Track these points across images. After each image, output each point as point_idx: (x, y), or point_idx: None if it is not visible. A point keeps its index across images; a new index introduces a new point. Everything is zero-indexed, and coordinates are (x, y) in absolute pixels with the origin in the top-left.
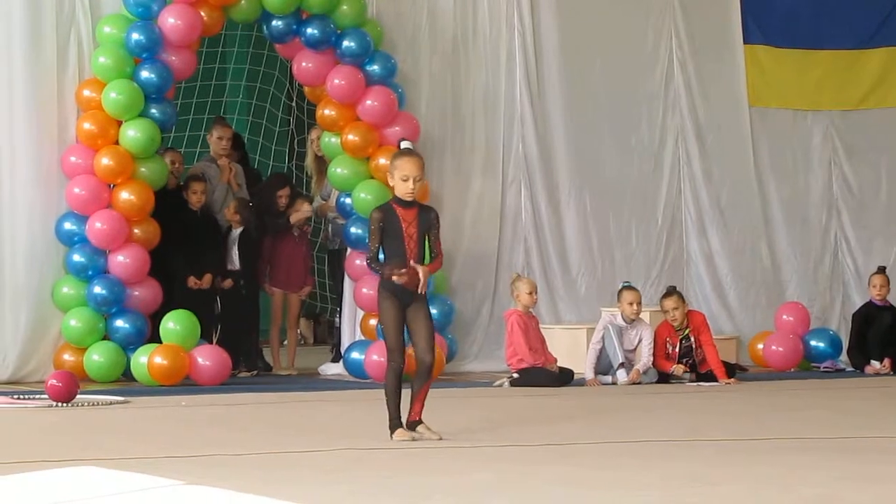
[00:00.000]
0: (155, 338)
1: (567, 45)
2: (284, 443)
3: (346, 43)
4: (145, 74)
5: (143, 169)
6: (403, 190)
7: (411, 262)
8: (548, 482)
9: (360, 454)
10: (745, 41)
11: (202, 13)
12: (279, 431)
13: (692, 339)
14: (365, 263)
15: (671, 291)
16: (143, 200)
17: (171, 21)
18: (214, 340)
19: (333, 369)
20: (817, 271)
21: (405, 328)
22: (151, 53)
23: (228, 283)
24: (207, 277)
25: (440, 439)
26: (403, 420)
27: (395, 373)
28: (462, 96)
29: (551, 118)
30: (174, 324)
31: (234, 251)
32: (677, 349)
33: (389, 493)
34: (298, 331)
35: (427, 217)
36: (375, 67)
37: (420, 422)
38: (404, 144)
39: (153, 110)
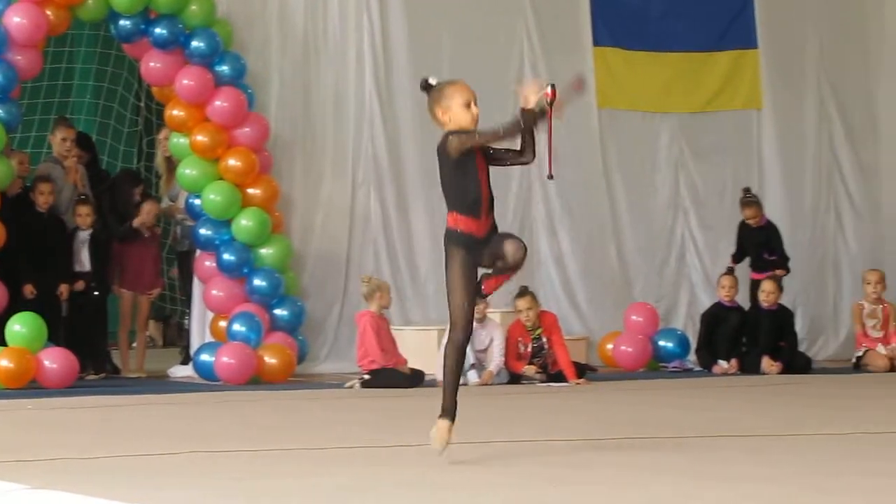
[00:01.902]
0: (0, 340)
1: (416, 47)
2: (133, 446)
3: (194, 43)
4: None
5: None
6: (468, 118)
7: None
8: (400, 483)
9: (210, 457)
10: (595, 43)
11: (48, 12)
12: (128, 435)
13: (543, 339)
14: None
15: (524, 292)
16: None
17: (16, 20)
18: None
19: (183, 371)
20: (662, 272)
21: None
22: None
23: (80, 285)
24: (65, 288)
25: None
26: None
27: (455, 348)
28: (312, 98)
29: (400, 120)
30: (20, 326)
31: (83, 253)
32: (529, 349)
33: (240, 495)
34: (147, 333)
35: (486, 151)
36: (225, 68)
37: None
38: (434, 80)
39: None
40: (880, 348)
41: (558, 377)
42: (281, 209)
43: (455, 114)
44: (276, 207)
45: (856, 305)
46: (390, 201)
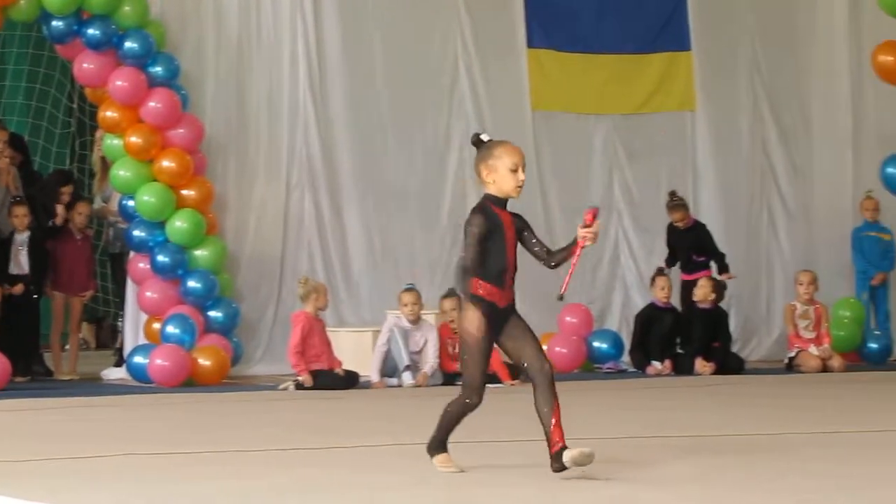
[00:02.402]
0: None
1: (350, 48)
2: (66, 449)
3: (128, 44)
4: None
5: None
6: (513, 184)
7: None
8: (337, 485)
9: (144, 459)
10: (529, 45)
11: None
12: (60, 437)
13: None
14: (461, 271)
15: (451, 293)
16: None
17: None
18: None
19: (116, 374)
20: (596, 273)
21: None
22: None
23: (19, 288)
24: None
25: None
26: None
27: (464, 409)
28: (246, 99)
29: (335, 121)
30: None
31: (22, 255)
32: (458, 350)
33: (174, 498)
34: (80, 335)
35: (518, 220)
36: (158, 69)
37: (566, 448)
38: (486, 136)
39: None
40: (812, 349)
41: (492, 379)
42: (215, 211)
43: (500, 176)
44: (210, 209)
45: (788, 306)
46: (324, 203)
